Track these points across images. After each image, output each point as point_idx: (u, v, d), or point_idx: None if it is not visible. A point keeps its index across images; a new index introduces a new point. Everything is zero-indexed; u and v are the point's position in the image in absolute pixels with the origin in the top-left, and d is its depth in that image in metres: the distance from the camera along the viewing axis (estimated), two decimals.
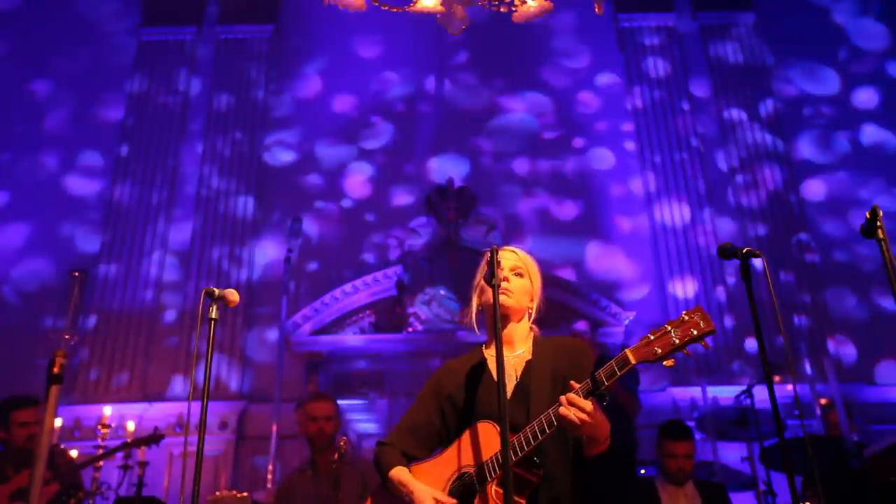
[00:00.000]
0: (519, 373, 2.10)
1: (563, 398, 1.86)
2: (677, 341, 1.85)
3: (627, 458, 4.43)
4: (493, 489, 1.92)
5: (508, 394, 2.03)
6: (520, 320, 2.17)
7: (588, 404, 1.83)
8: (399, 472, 2.08)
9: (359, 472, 3.72)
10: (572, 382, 1.89)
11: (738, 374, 6.44)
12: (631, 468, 4.58)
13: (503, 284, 2.09)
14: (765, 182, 7.47)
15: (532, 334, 2.21)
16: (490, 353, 2.17)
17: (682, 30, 8.46)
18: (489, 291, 2.05)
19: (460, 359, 2.28)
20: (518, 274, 2.17)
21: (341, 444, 3.42)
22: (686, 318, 1.87)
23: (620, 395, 4.35)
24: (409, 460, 2.14)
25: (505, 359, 1.94)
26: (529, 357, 2.13)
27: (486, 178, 7.70)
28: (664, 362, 1.86)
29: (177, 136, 7.86)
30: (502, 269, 2.12)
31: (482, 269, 2.20)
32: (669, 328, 1.87)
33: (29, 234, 7.47)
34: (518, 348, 2.14)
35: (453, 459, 2.04)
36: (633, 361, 1.86)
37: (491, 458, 1.94)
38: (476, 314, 2.22)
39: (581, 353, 2.15)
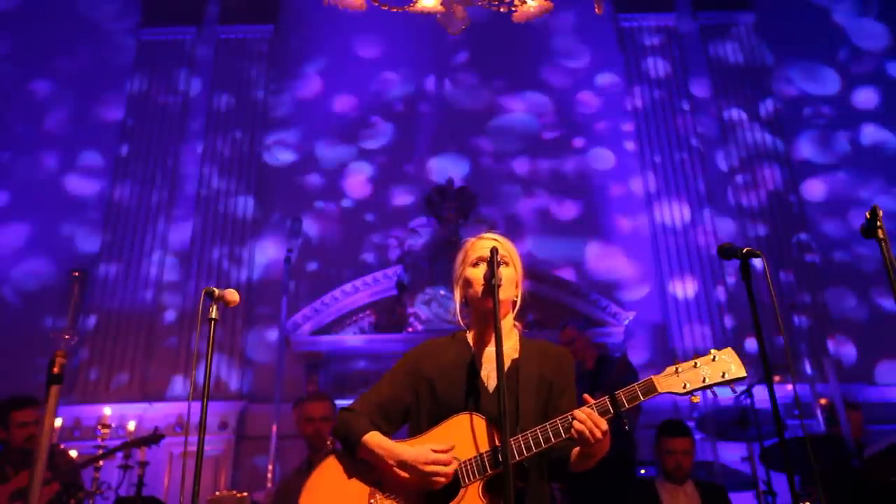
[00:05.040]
0: (506, 369, 2.03)
1: (578, 412, 1.83)
2: (707, 381, 1.86)
3: (626, 462, 4.43)
4: (480, 487, 1.86)
5: (492, 389, 2.00)
6: (507, 312, 2.11)
7: (604, 423, 1.82)
8: (376, 436, 1.97)
9: None
10: (586, 397, 1.87)
11: None
12: (630, 471, 4.59)
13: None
14: (765, 182, 7.47)
15: (516, 331, 2.17)
16: (478, 345, 2.12)
17: (681, 30, 8.45)
18: (476, 285, 2.05)
19: (440, 341, 2.19)
20: (504, 263, 2.07)
21: (328, 442, 3.43)
22: (716, 357, 1.88)
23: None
24: None
25: (492, 353, 1.92)
26: (515, 356, 2.09)
27: (486, 178, 7.70)
28: (690, 398, 1.87)
29: (177, 136, 7.86)
30: (484, 260, 2.06)
31: (462, 260, 2.16)
32: (698, 364, 1.88)
33: (29, 234, 7.47)
34: (504, 343, 2.08)
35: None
36: (659, 390, 1.86)
37: (481, 454, 1.89)
38: (460, 307, 2.17)
39: (565, 361, 2.14)
